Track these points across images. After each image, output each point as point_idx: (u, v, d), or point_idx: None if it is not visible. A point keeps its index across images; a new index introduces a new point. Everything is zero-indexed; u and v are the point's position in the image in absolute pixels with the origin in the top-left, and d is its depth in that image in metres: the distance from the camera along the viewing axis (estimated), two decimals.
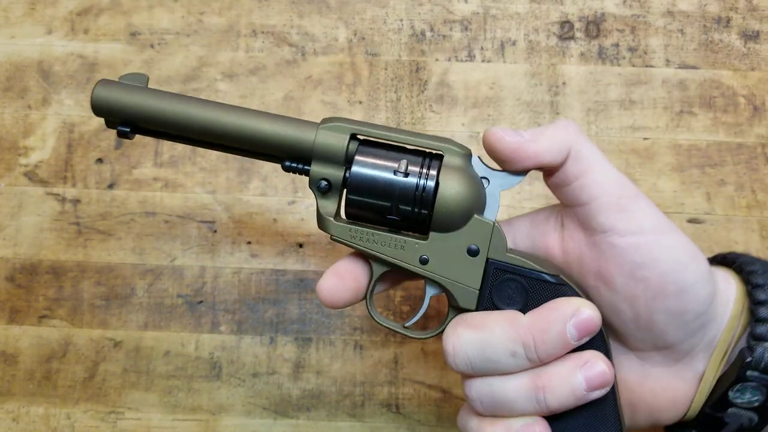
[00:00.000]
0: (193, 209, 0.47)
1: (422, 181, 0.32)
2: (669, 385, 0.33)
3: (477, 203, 0.33)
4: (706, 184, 0.47)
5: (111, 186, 0.48)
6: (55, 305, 0.46)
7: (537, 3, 0.50)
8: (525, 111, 0.48)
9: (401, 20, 0.50)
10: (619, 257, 0.31)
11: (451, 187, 0.32)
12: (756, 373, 0.31)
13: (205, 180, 0.48)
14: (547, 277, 0.32)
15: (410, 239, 0.33)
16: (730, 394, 0.32)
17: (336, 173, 0.33)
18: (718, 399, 0.32)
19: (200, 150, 0.48)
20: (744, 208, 0.47)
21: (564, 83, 0.49)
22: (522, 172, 0.33)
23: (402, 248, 0.33)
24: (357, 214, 0.33)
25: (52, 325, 0.46)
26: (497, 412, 0.32)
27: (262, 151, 0.34)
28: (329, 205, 0.34)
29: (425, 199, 0.32)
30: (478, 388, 0.32)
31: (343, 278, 0.34)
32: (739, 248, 0.46)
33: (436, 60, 0.49)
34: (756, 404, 0.31)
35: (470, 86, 0.49)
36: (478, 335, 0.31)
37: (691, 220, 0.47)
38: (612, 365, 0.31)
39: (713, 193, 0.47)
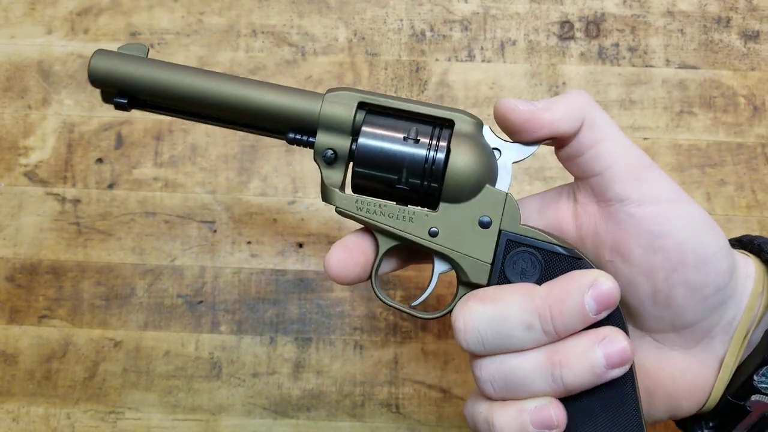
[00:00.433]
0: (193, 209, 0.47)
1: (432, 153, 0.31)
2: (688, 370, 0.32)
3: (489, 173, 0.32)
4: (706, 184, 0.47)
5: (111, 186, 0.48)
6: (55, 305, 0.46)
7: (537, 3, 0.50)
8: None
9: (401, 20, 0.50)
10: (637, 227, 0.30)
11: (462, 157, 0.31)
12: None
13: (205, 180, 0.48)
14: (562, 251, 0.31)
15: (419, 211, 0.32)
16: (755, 378, 0.30)
17: (343, 143, 0.32)
18: (740, 385, 0.31)
19: (200, 150, 0.48)
20: (744, 208, 0.47)
21: (564, 83, 0.49)
22: (535, 143, 0.32)
23: (411, 220, 0.32)
24: (364, 186, 0.32)
25: (52, 325, 0.46)
26: (509, 393, 0.30)
27: (265, 124, 0.33)
28: (334, 176, 0.32)
29: (435, 170, 0.31)
30: (488, 368, 0.30)
31: (351, 252, 0.32)
32: None
33: (436, 60, 0.49)
34: None
35: (470, 86, 0.49)
36: (490, 308, 0.30)
37: None
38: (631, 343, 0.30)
39: (713, 193, 0.47)
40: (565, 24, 0.50)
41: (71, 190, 0.48)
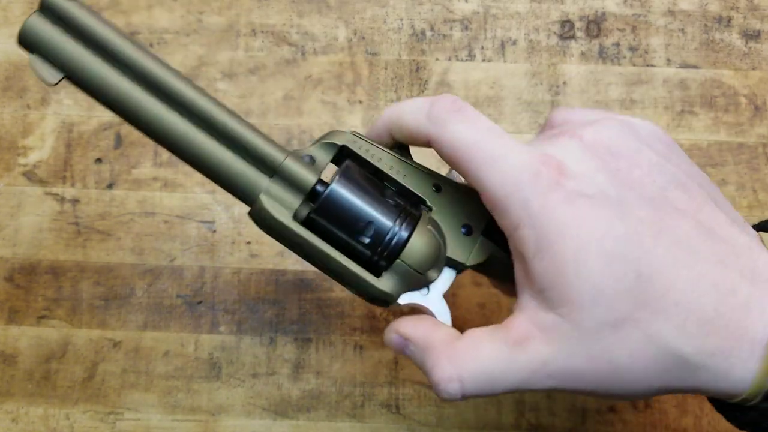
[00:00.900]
0: (193, 209, 0.47)
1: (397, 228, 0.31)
2: None
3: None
4: None
5: (110, 186, 0.48)
6: (54, 305, 0.46)
7: (537, 2, 0.50)
8: (525, 110, 0.48)
9: (401, 20, 0.50)
10: None
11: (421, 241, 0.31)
12: None
13: (205, 180, 0.47)
14: None
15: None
16: None
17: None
18: None
19: None
20: (745, 207, 0.47)
21: (565, 83, 0.49)
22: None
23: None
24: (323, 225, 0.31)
25: (51, 326, 0.46)
26: None
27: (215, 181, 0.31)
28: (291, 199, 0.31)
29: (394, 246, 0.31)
30: None
31: None
32: None
33: (437, 59, 0.49)
34: None
35: (470, 86, 0.49)
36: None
37: None
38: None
39: None
40: (566, 23, 0.50)
41: (70, 189, 0.47)
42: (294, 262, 0.46)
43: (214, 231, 0.47)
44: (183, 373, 0.45)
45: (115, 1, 0.50)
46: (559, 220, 0.27)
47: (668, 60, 0.49)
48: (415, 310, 0.33)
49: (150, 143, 0.48)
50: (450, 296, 0.46)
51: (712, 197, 0.30)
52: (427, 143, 0.31)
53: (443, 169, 0.33)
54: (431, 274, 0.32)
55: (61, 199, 0.47)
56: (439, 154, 0.30)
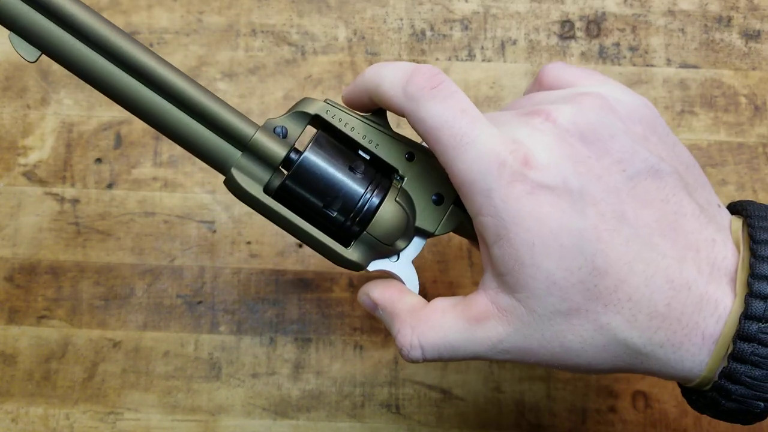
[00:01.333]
0: (193, 209, 0.47)
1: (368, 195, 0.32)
2: None
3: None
4: None
5: (110, 186, 0.47)
6: (54, 305, 0.46)
7: (537, 2, 0.50)
8: None
9: (401, 19, 0.50)
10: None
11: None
12: None
13: (205, 180, 0.47)
14: None
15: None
16: None
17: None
18: None
19: None
20: None
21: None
22: None
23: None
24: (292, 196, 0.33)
25: (51, 326, 0.46)
26: None
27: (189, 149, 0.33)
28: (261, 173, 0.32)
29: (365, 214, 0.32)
30: None
31: None
32: None
33: (437, 59, 0.49)
34: None
35: (470, 86, 0.49)
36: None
37: None
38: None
39: (714, 192, 0.47)
40: (566, 23, 0.50)
41: (70, 189, 0.47)
42: (294, 262, 0.46)
43: (214, 231, 0.47)
44: (183, 373, 0.45)
45: (115, 1, 0.50)
46: (518, 211, 0.28)
47: (668, 60, 0.49)
48: (386, 275, 0.34)
49: (150, 143, 0.48)
50: (451, 295, 0.46)
51: (685, 183, 0.30)
52: (402, 115, 0.31)
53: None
54: (399, 243, 0.33)
55: (61, 199, 0.47)
56: (414, 130, 0.31)
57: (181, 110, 0.31)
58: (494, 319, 0.30)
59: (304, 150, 0.32)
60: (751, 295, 0.28)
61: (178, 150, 0.48)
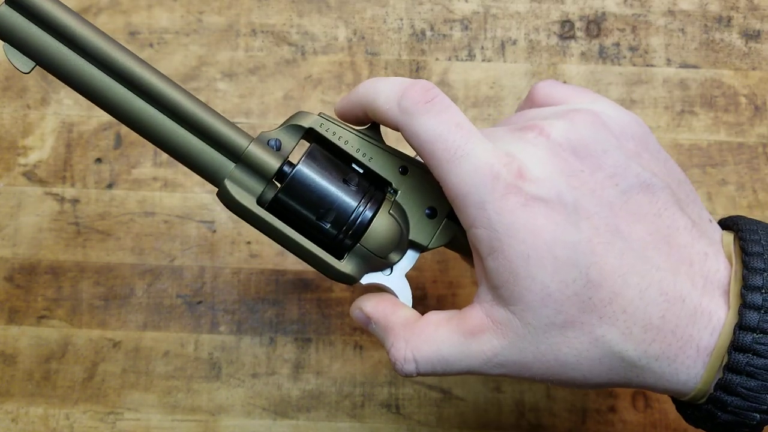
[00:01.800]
0: (193, 209, 0.47)
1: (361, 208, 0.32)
2: None
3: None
4: (707, 184, 0.47)
5: (110, 186, 0.47)
6: (54, 305, 0.46)
7: (537, 2, 0.50)
8: None
9: (401, 19, 0.50)
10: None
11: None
12: None
13: (205, 180, 0.47)
14: None
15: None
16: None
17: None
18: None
19: None
20: (745, 207, 0.47)
21: (564, 83, 0.49)
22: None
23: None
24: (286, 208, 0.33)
25: (51, 326, 0.46)
26: None
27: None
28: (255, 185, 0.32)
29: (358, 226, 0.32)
30: None
31: None
32: None
33: (437, 59, 0.49)
34: None
35: (470, 85, 0.49)
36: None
37: None
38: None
39: (714, 192, 0.47)
40: (566, 23, 0.50)
41: (70, 189, 0.47)
42: (294, 262, 0.46)
43: (214, 231, 0.47)
44: (183, 373, 0.45)
45: (115, 1, 0.50)
46: (512, 223, 0.28)
47: (668, 60, 0.49)
48: (379, 288, 0.34)
49: (150, 144, 0.48)
50: (450, 296, 0.46)
51: (677, 198, 0.30)
52: (397, 129, 0.31)
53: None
54: (393, 256, 0.33)
55: (61, 199, 0.47)
56: (408, 144, 0.31)
57: (174, 121, 0.31)
58: (489, 332, 0.30)
59: (298, 163, 0.32)
60: (744, 306, 0.28)
61: None
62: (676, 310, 0.28)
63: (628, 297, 0.28)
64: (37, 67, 0.30)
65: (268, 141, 0.33)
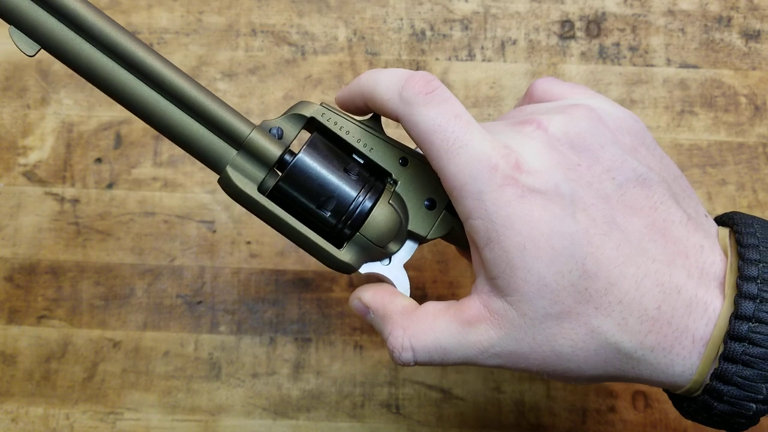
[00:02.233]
0: (193, 209, 0.47)
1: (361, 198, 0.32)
2: None
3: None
4: (707, 184, 0.47)
5: (110, 186, 0.47)
6: (54, 305, 0.46)
7: (537, 2, 0.50)
8: None
9: (401, 19, 0.50)
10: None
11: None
12: None
13: (205, 180, 0.47)
14: None
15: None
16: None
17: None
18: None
19: None
20: (745, 207, 0.47)
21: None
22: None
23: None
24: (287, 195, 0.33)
25: (51, 326, 0.46)
26: None
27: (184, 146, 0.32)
28: (256, 171, 0.32)
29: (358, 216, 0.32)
30: None
31: None
32: None
33: (437, 59, 0.49)
34: None
35: (470, 85, 0.49)
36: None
37: None
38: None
39: (714, 192, 0.47)
40: (566, 23, 0.50)
41: (70, 189, 0.47)
42: (294, 262, 0.46)
43: (214, 231, 0.47)
44: (183, 373, 0.45)
45: (115, 1, 0.50)
46: (509, 214, 0.28)
47: (668, 60, 0.49)
48: (378, 279, 0.34)
49: (150, 143, 0.48)
50: (450, 296, 0.46)
51: (672, 193, 0.31)
52: (397, 119, 0.31)
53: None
54: (392, 246, 0.33)
55: (61, 199, 0.47)
56: (408, 134, 0.31)
57: (178, 107, 0.31)
58: (486, 322, 0.30)
59: (299, 151, 0.32)
60: (740, 296, 0.28)
61: (178, 150, 0.48)
62: (672, 301, 0.28)
63: (624, 288, 0.28)
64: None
65: (270, 129, 0.33)
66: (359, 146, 0.33)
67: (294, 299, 0.46)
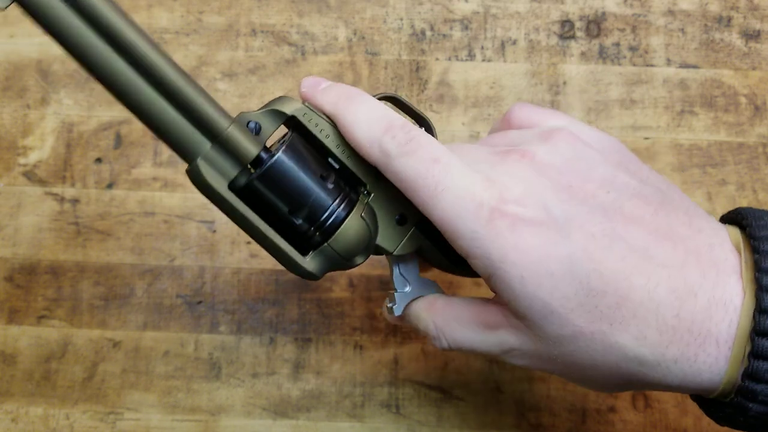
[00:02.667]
0: (193, 209, 0.47)
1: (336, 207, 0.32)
2: None
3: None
4: (707, 184, 0.47)
5: (110, 186, 0.47)
6: (54, 305, 0.46)
7: (537, 2, 0.50)
8: None
9: (401, 19, 0.50)
10: None
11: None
12: None
13: None
14: None
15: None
16: None
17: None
18: None
19: None
20: None
21: (564, 83, 0.49)
22: None
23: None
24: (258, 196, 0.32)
25: (51, 326, 0.46)
26: None
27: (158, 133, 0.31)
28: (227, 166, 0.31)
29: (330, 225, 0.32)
30: None
31: None
32: None
33: (437, 59, 0.49)
34: None
35: (470, 85, 0.49)
36: None
37: None
38: None
39: (714, 192, 0.47)
40: (566, 23, 0.50)
41: (70, 189, 0.47)
42: None
43: (214, 231, 0.47)
44: (183, 373, 0.45)
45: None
46: (502, 246, 0.28)
47: (668, 60, 0.49)
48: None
49: (150, 143, 0.48)
50: (450, 288, 0.46)
51: (669, 199, 0.30)
52: (376, 166, 0.31)
53: None
54: (357, 259, 0.33)
55: (61, 199, 0.47)
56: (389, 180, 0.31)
57: (154, 89, 0.30)
58: (506, 330, 0.30)
59: (277, 151, 0.31)
60: (761, 289, 0.27)
61: None
62: (690, 307, 0.27)
63: (636, 300, 0.28)
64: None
65: (248, 123, 0.31)
66: (338, 152, 0.32)
67: (294, 299, 0.46)
